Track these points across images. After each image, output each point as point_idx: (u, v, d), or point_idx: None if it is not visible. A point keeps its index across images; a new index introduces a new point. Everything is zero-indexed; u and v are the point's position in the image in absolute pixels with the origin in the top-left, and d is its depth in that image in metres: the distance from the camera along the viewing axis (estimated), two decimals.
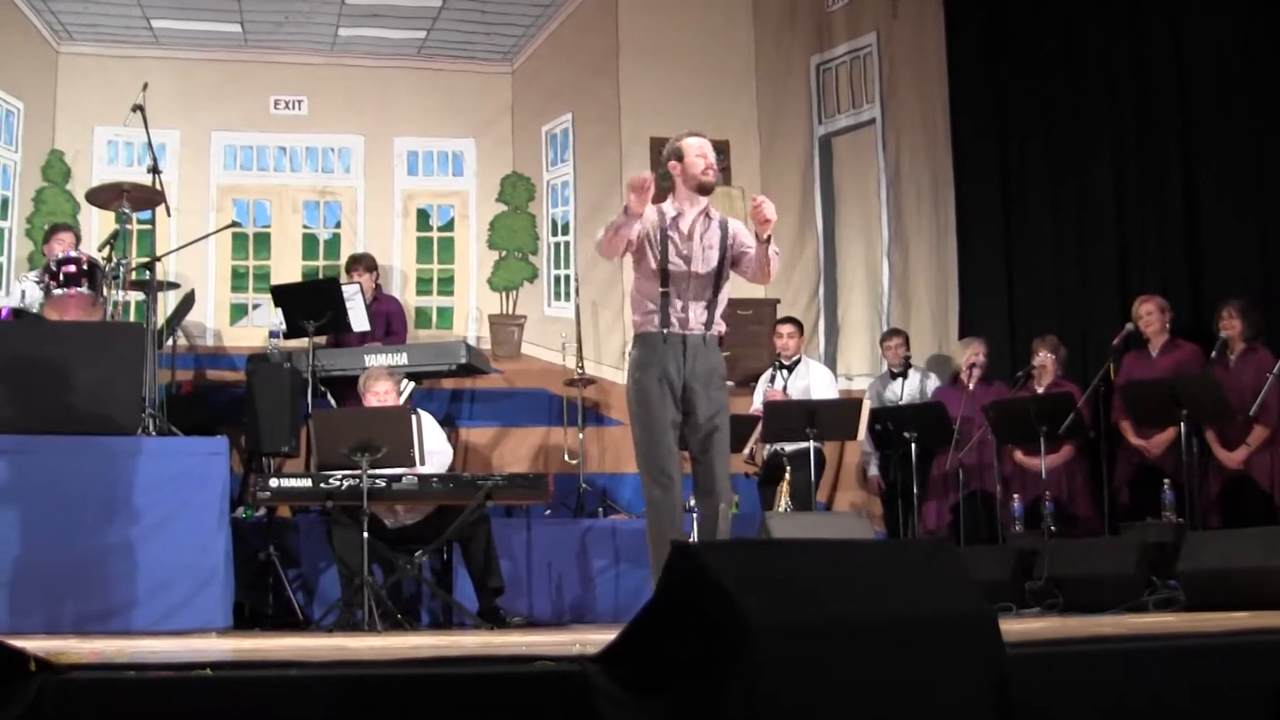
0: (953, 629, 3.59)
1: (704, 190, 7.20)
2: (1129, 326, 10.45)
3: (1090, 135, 11.86)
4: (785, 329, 11.46)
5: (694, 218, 7.20)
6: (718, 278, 7.21)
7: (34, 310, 9.56)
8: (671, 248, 7.13)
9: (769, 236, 7.01)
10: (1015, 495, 10.69)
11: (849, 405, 10.68)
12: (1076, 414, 10.19)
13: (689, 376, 7.11)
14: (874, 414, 11.25)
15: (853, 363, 12.85)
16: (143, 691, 3.47)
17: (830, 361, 12.74)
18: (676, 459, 7.18)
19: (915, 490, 11.01)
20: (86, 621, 7.95)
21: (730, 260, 7.24)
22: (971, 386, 11.17)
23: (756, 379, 11.81)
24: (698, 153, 7.20)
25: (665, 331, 7.13)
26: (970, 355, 11.32)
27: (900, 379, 11.84)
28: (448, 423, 12.15)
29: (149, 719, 3.42)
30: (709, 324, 7.19)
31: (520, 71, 13.28)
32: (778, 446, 10.89)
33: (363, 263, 11.84)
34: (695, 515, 7.58)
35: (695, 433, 7.17)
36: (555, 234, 13.08)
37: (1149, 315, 10.42)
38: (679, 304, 7.14)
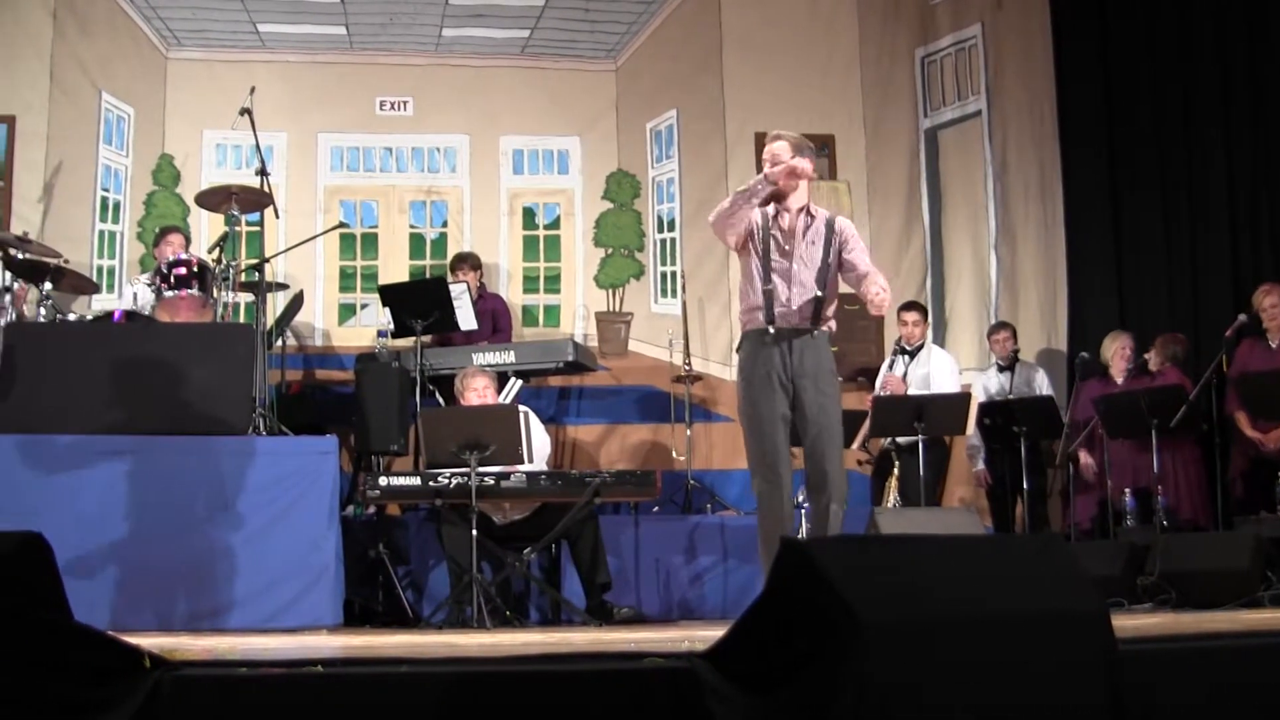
0: (1064, 625, 3.55)
1: (778, 199, 7.20)
2: (1241, 317, 10.29)
3: (1202, 123, 11.71)
4: (910, 315, 11.36)
5: (795, 215, 7.19)
6: (823, 274, 7.19)
7: (146, 312, 9.66)
8: (774, 245, 7.14)
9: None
10: (1127, 490, 10.58)
11: (957, 399, 10.58)
12: (1189, 407, 10.05)
13: (795, 373, 7.09)
14: (982, 408, 11.16)
15: (961, 356, 12.73)
16: (255, 688, 3.50)
17: None
18: (785, 455, 7.15)
19: (1025, 484, 10.90)
20: (199, 619, 8.04)
21: (838, 262, 7.22)
22: (1120, 380, 11.03)
23: (865, 374, 11.75)
24: (766, 158, 7.28)
25: (770, 329, 7.11)
26: (1118, 348, 11.16)
27: (1008, 372, 11.73)
28: (555, 420, 12.19)
29: (261, 715, 3.44)
30: (815, 320, 7.16)
31: (624, 69, 13.27)
32: (890, 440, 10.82)
33: (467, 261, 11.87)
34: (805, 512, 7.55)
35: (805, 430, 7.15)
36: (661, 230, 13.06)
37: (1273, 307, 10.25)
38: (783, 300, 7.12)
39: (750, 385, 7.16)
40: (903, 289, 12.76)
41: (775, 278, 7.14)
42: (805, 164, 7.14)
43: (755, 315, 7.19)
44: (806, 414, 7.12)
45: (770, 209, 7.23)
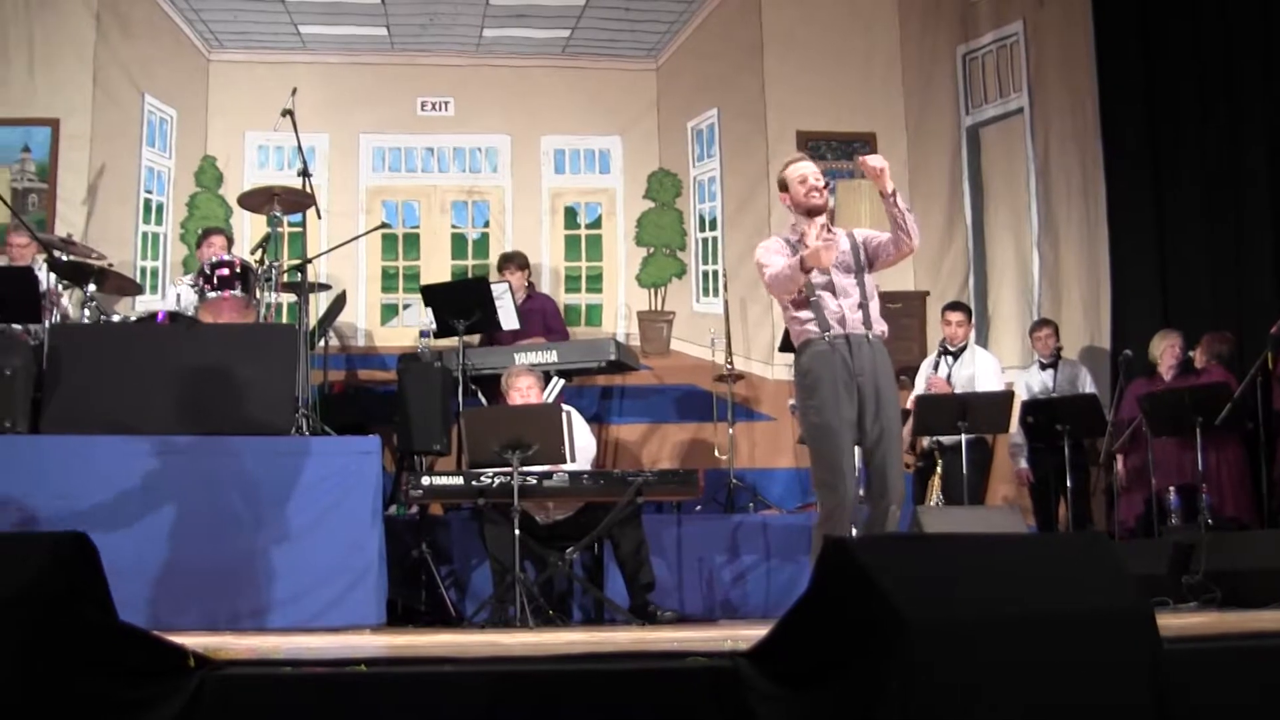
0: (1109, 624, 3.54)
1: (814, 212, 7.23)
2: None
3: (1246, 119, 11.63)
4: (954, 316, 11.30)
5: (815, 232, 7.16)
6: (860, 278, 7.21)
7: (189, 313, 9.69)
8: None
9: (894, 190, 6.97)
10: (1171, 488, 10.52)
11: (1001, 398, 10.54)
12: (1234, 404, 9.99)
13: (858, 374, 7.07)
14: (1026, 406, 11.12)
15: (1003, 354, 12.69)
16: (299, 687, 3.50)
17: None
18: (852, 464, 7.14)
19: (1068, 483, 10.85)
20: (242, 618, 8.07)
21: (869, 259, 7.23)
22: (1169, 378, 10.96)
23: (906, 373, 11.72)
24: (799, 179, 7.26)
25: (827, 335, 7.10)
26: (1167, 346, 11.09)
27: (1050, 370, 11.67)
28: (597, 419, 12.19)
29: (305, 713, 3.45)
30: (868, 324, 7.15)
31: (665, 68, 13.27)
32: (933, 439, 10.79)
33: (514, 261, 11.88)
34: (863, 514, 7.52)
35: (865, 434, 7.12)
36: (703, 229, 13.05)
37: None
38: (833, 307, 7.11)
39: (815, 393, 7.13)
40: (945, 287, 12.75)
41: (820, 291, 7.13)
42: (837, 244, 7.13)
43: (809, 326, 7.17)
44: (867, 419, 7.10)
45: (793, 236, 7.29)
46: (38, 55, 12.33)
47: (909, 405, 10.86)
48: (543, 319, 11.71)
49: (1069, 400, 11.20)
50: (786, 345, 11.26)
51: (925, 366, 11.34)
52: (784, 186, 7.32)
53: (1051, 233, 12.92)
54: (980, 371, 11.08)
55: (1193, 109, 12.09)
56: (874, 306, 7.22)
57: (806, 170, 7.27)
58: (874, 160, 6.97)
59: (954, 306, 11.47)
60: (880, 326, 7.22)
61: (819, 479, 7.19)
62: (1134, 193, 12.45)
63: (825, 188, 7.26)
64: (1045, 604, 3.51)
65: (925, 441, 10.88)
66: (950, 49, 13.41)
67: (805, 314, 7.18)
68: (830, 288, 7.14)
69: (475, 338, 11.18)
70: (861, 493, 7.52)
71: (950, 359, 11.17)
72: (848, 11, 13.32)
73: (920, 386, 11.17)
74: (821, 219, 7.23)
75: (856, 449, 7.24)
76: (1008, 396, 10.58)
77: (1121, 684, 3.47)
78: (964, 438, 10.16)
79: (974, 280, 13.08)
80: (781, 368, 12.34)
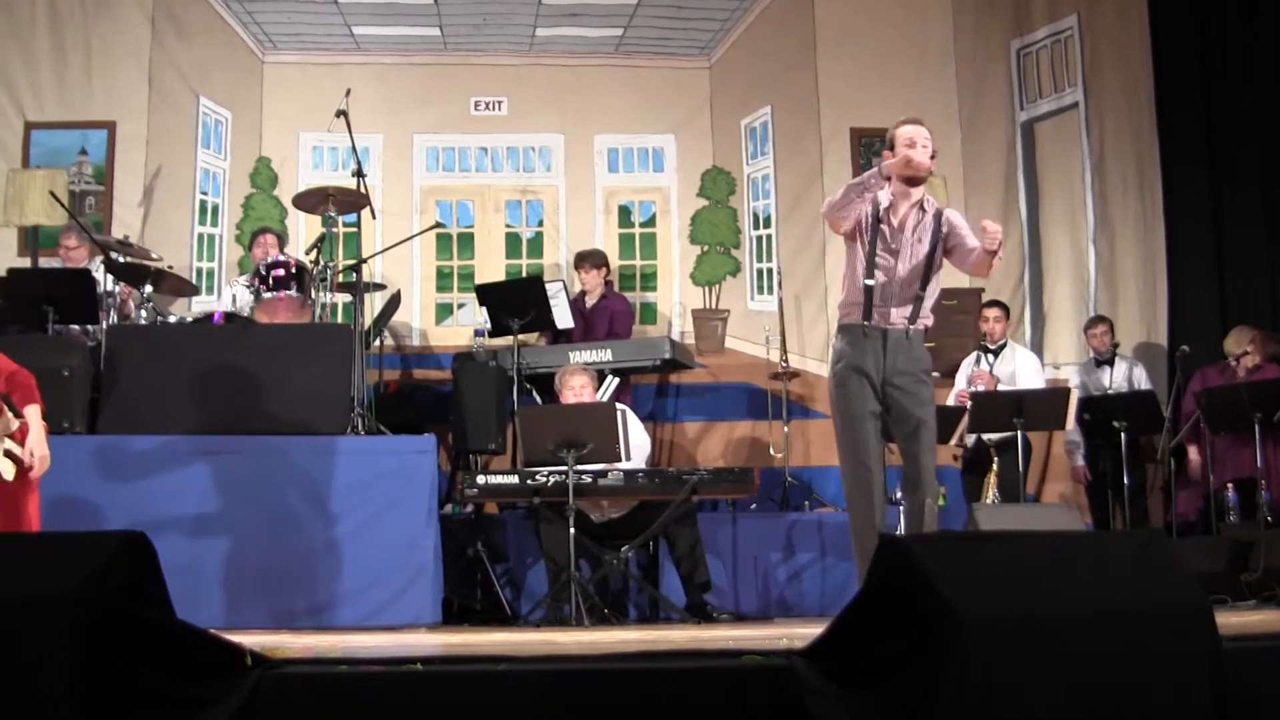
0: (1167, 622, 3.52)
1: (912, 182, 7.06)
2: None
3: None
4: (991, 313, 11.26)
5: (907, 210, 7.09)
6: (926, 272, 7.09)
7: (245, 314, 9.74)
8: (880, 240, 7.04)
9: (998, 248, 6.86)
10: (1229, 484, 10.45)
11: (1057, 394, 10.48)
12: None
13: (888, 371, 7.03)
14: (1083, 403, 11.07)
15: (1059, 351, 12.64)
16: (355, 685, 3.52)
17: (1037, 349, 12.50)
18: (875, 450, 7.09)
19: (1125, 480, 10.79)
20: (298, 617, 8.11)
21: (944, 250, 7.12)
22: (1242, 375, 10.88)
23: (954, 370, 11.68)
24: (906, 142, 7.04)
25: (865, 325, 7.06)
26: (1239, 343, 11.01)
27: (1107, 367, 11.61)
28: (652, 418, 12.17)
29: (361, 712, 3.46)
30: (913, 318, 7.08)
31: (718, 66, 13.25)
32: (984, 436, 10.73)
33: (590, 260, 11.89)
34: (902, 509, 7.50)
35: (900, 427, 7.09)
36: (756, 227, 13.03)
37: None
38: (882, 297, 7.05)
39: (842, 381, 7.10)
40: (1000, 284, 12.68)
41: (878, 273, 7.05)
42: (924, 159, 7.01)
43: (853, 310, 7.12)
44: (900, 412, 7.06)
45: (884, 199, 7.12)
46: (94, 59, 12.42)
47: (954, 401, 10.83)
48: (609, 320, 11.70)
49: (1126, 397, 11.15)
50: None
51: (966, 363, 11.28)
52: (890, 145, 7.12)
53: (1107, 229, 12.84)
54: (1020, 369, 11.04)
55: (1250, 103, 12.02)
56: (928, 302, 7.14)
57: (916, 133, 7.06)
58: (997, 235, 6.77)
59: (990, 303, 11.43)
60: (926, 320, 7.16)
61: (843, 464, 7.18)
62: (1191, 188, 12.38)
63: (933, 157, 7.10)
64: (1103, 602, 3.49)
65: (970, 439, 10.81)
66: (1004, 44, 13.33)
67: (854, 298, 7.12)
68: (891, 273, 7.07)
69: (531, 336, 11.21)
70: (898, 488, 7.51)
71: (990, 356, 11.13)
72: (901, 7, 13.27)
73: (961, 382, 11.12)
74: (919, 192, 7.12)
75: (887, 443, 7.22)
76: (1064, 393, 10.52)
77: (1180, 683, 3.45)
78: (1020, 434, 10.11)
79: (1029, 277, 13.01)
80: None
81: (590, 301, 11.75)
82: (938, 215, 7.16)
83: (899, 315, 7.07)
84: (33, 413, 6.44)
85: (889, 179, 6.96)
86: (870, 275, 7.04)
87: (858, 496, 7.07)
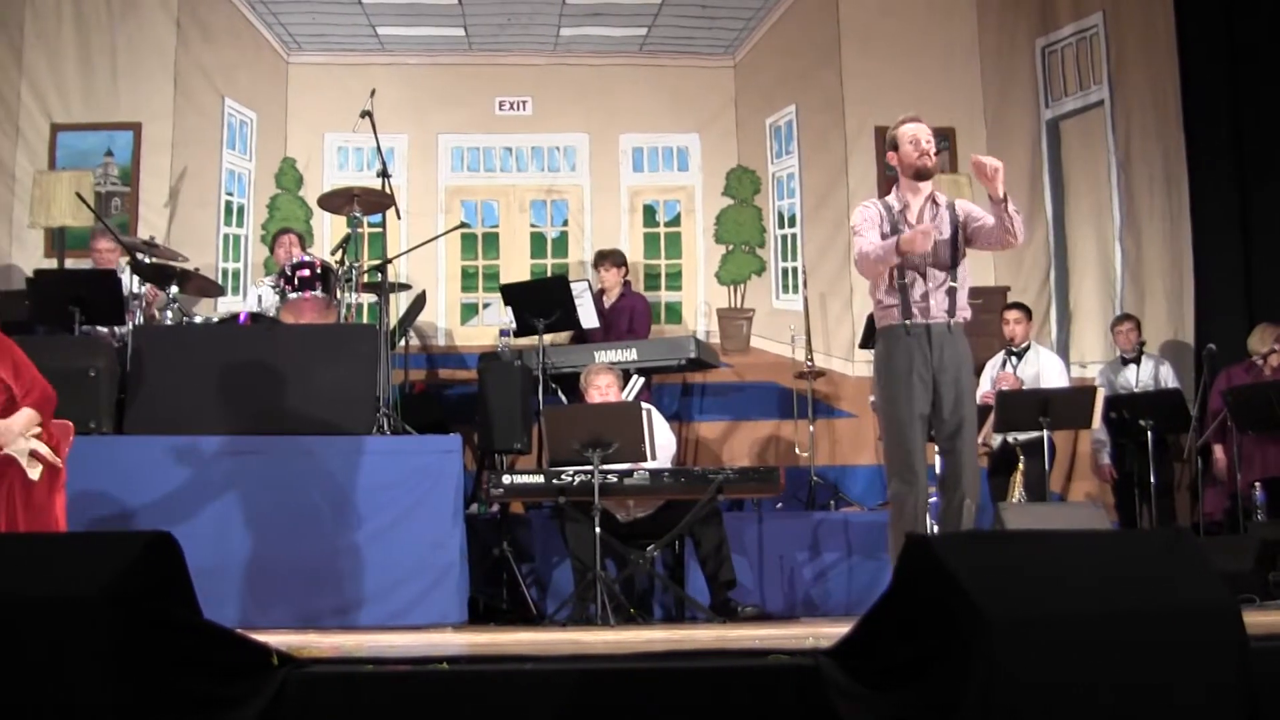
0: (1194, 622, 3.50)
1: (921, 176, 7.17)
2: None
3: None
4: (1011, 315, 11.20)
5: (920, 206, 7.15)
6: (953, 261, 7.13)
7: (270, 314, 9.76)
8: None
9: (1004, 194, 6.89)
10: (1257, 483, 10.42)
11: (1083, 393, 10.45)
12: None
13: (937, 368, 7.04)
14: (1109, 401, 11.03)
15: (1086, 350, 12.60)
16: (381, 685, 3.52)
17: (1063, 348, 12.49)
18: (923, 455, 7.10)
19: (1151, 479, 10.75)
20: (324, 617, 8.12)
21: (966, 238, 7.14)
22: (1268, 373, 10.83)
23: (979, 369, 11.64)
24: (910, 139, 7.17)
25: (908, 323, 7.06)
26: (1264, 341, 10.96)
27: (1133, 365, 11.58)
28: (677, 417, 12.17)
29: (388, 711, 3.46)
30: (952, 311, 7.11)
31: (742, 65, 13.24)
32: (1010, 436, 10.69)
33: (610, 259, 11.89)
34: (936, 507, 7.48)
35: (943, 425, 7.09)
36: (782, 226, 13.01)
37: None
38: (918, 293, 7.06)
39: (890, 383, 7.10)
40: (1026, 282, 12.66)
41: (910, 272, 7.08)
42: (926, 246, 7.01)
43: (892, 311, 7.13)
44: (945, 410, 7.06)
45: (896, 203, 7.20)
46: (120, 61, 12.47)
47: (978, 401, 10.81)
48: (629, 318, 11.70)
49: (1152, 395, 11.12)
50: (867, 342, 11.26)
51: (991, 365, 11.24)
52: (894, 145, 7.24)
53: (1134, 226, 12.80)
54: (1045, 371, 10.99)
55: (1277, 99, 11.96)
56: (963, 293, 7.17)
57: (919, 131, 7.18)
58: (990, 160, 6.87)
59: (1010, 306, 11.38)
60: (965, 313, 7.18)
61: (891, 470, 7.18)
62: (1218, 185, 12.35)
63: (937, 152, 7.20)
64: (1129, 601, 3.48)
65: (995, 439, 10.78)
66: (1029, 41, 13.30)
67: (890, 299, 7.14)
68: (921, 269, 7.09)
69: (558, 335, 11.22)
70: (934, 486, 7.50)
71: (1014, 358, 11.09)
72: (925, 5, 13.24)
73: (985, 384, 11.07)
74: (928, 187, 7.20)
75: (931, 443, 7.23)
76: (1090, 391, 10.49)
77: (1208, 683, 3.43)
78: (1046, 434, 10.07)
79: (1055, 275, 12.97)
80: (862, 364, 12.30)
81: (609, 300, 11.75)
82: (950, 206, 7.25)
83: (938, 309, 7.08)
84: (26, 412, 6.43)
85: (903, 254, 6.97)
86: (903, 275, 7.07)
87: (905, 503, 7.07)
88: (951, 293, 7.11)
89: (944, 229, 7.14)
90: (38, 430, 6.44)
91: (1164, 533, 6.98)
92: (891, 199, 7.25)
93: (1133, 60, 12.97)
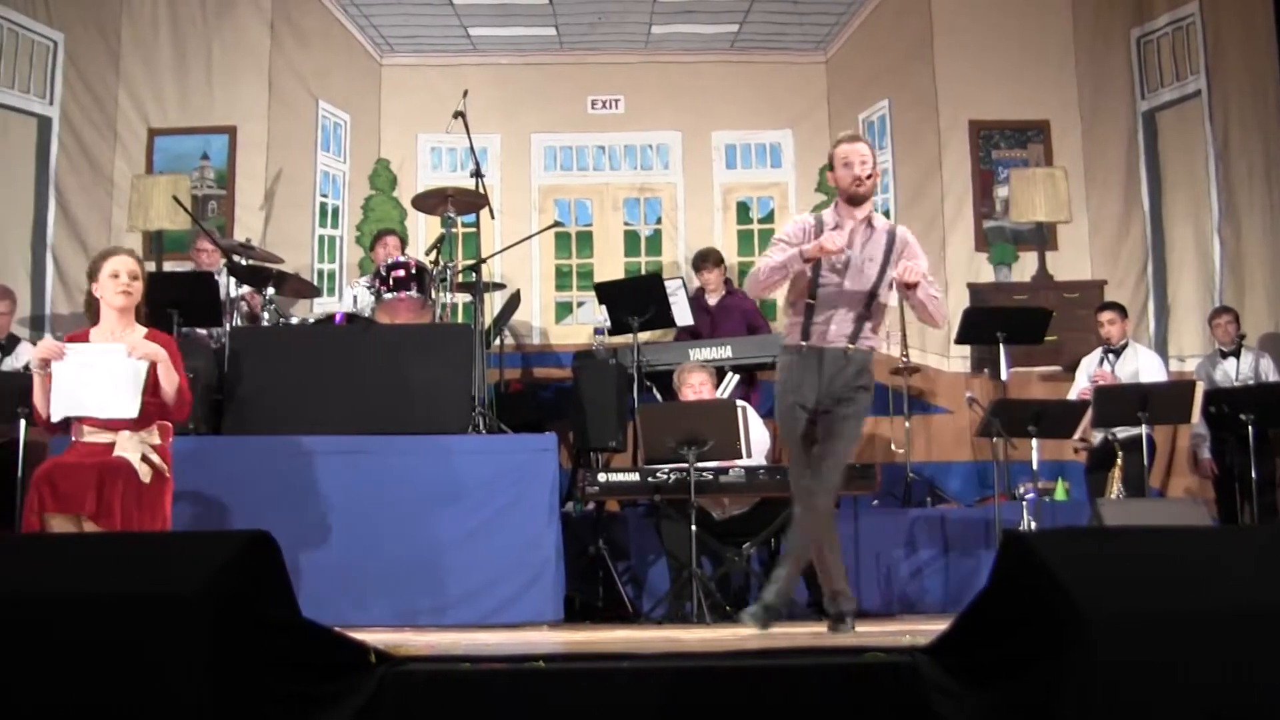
0: None
1: (854, 201, 6.97)
2: None
3: None
4: (1105, 315, 11.07)
5: (853, 228, 6.96)
6: (874, 290, 7.00)
7: (366, 315, 9.81)
8: (825, 260, 6.90)
9: (914, 281, 6.74)
10: None
11: (1182, 387, 10.33)
12: None
13: (822, 394, 6.96)
14: (1209, 395, 10.90)
15: (1184, 344, 12.46)
16: (478, 683, 3.53)
17: (1161, 343, 12.36)
18: (803, 462, 7.13)
19: (1253, 474, 10.62)
20: (421, 615, 8.17)
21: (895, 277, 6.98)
22: None
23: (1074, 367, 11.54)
24: (844, 161, 6.96)
25: (804, 345, 6.98)
26: None
27: (1232, 358, 11.44)
28: (772, 415, 12.13)
29: (484, 709, 3.47)
30: (854, 338, 6.99)
31: (834, 60, 13.21)
32: (1109, 432, 10.59)
33: (709, 259, 11.84)
34: (1032, 503, 7.43)
35: (817, 448, 7.07)
36: None
37: None
38: (822, 317, 6.94)
39: (780, 401, 7.16)
40: (1123, 275, 12.54)
41: (821, 293, 6.94)
42: (839, 242, 6.81)
43: (794, 330, 7.07)
44: (822, 433, 7.05)
45: (829, 219, 7.03)
46: (215, 65, 12.60)
47: (1075, 397, 10.71)
48: (744, 316, 11.63)
49: (1253, 389, 10.97)
50: (963, 337, 11.19)
51: (1087, 362, 11.12)
52: (830, 165, 7.05)
53: (1233, 218, 12.64)
54: (1144, 368, 10.87)
55: None
56: (870, 324, 7.06)
57: (851, 152, 6.95)
58: (910, 275, 6.70)
59: (1104, 306, 11.25)
60: (869, 342, 7.05)
61: (791, 479, 7.32)
62: None
63: (871, 177, 6.92)
64: (1230, 599, 3.44)
65: (1095, 436, 10.68)
66: (1124, 32, 13.16)
67: (794, 318, 7.06)
68: (836, 292, 6.95)
69: (653, 333, 11.22)
70: (1029, 482, 7.44)
71: (1112, 356, 10.97)
72: None
73: (1083, 380, 10.96)
74: (865, 209, 7.01)
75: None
76: (1189, 385, 10.36)
77: None
78: (1145, 429, 9.97)
79: (1153, 268, 12.84)
80: (958, 360, 12.24)
81: (713, 300, 11.70)
82: (890, 233, 7.05)
83: (838, 334, 6.97)
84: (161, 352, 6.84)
85: (809, 261, 6.85)
86: (813, 295, 6.93)
87: (799, 514, 7.16)
88: (859, 320, 6.97)
89: (875, 254, 6.97)
90: (157, 442, 6.69)
91: (1266, 528, 6.90)
92: (827, 214, 7.08)
93: (1230, 49, 12.80)
